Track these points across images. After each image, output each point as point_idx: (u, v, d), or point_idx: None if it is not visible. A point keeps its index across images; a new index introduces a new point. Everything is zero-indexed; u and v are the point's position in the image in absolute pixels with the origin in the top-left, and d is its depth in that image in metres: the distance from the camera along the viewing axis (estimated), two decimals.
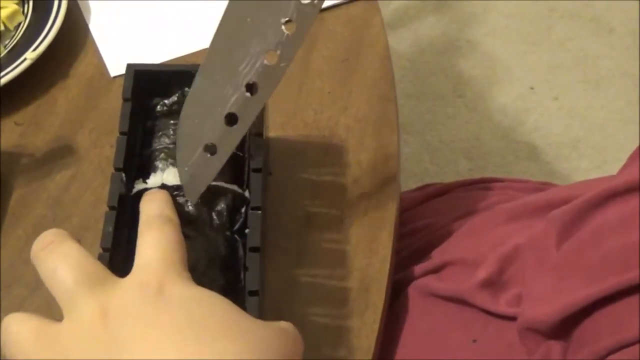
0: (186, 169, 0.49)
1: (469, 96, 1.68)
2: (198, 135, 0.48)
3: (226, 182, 0.51)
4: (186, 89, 0.54)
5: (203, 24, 0.73)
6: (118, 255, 0.46)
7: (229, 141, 0.48)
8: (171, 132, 0.53)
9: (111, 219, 0.46)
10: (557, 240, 0.53)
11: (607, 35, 1.77)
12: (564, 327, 0.48)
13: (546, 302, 0.50)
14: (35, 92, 0.67)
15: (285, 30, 0.44)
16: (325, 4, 0.72)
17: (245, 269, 0.47)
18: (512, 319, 0.53)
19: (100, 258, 0.45)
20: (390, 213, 0.60)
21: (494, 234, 0.61)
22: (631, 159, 0.55)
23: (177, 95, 0.54)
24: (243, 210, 0.50)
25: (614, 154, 1.57)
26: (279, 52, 0.44)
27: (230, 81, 0.46)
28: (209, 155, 0.48)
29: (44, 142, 0.64)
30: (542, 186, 0.77)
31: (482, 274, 0.57)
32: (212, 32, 0.70)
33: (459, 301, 0.57)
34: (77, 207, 0.61)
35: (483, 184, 0.79)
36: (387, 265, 0.58)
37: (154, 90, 0.54)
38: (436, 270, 0.62)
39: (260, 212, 0.47)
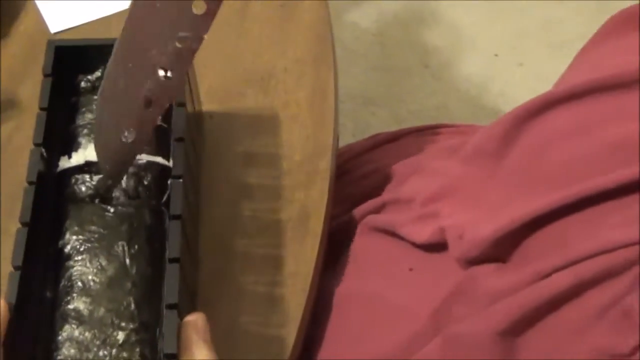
0: (107, 154, 0.48)
1: (435, 66, 1.69)
2: (116, 120, 0.46)
3: (151, 154, 0.51)
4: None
5: None
6: (41, 231, 0.46)
7: (147, 124, 0.45)
8: (94, 108, 0.52)
9: (30, 193, 0.46)
10: (496, 154, 0.51)
11: (571, 0, 1.78)
12: (502, 247, 0.47)
13: (485, 223, 0.49)
14: None
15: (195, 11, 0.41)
16: None
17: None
18: (441, 249, 0.53)
19: (18, 232, 0.44)
20: (328, 143, 0.62)
21: (431, 170, 0.62)
22: (570, 68, 0.55)
23: (100, 70, 0.54)
24: (169, 181, 0.48)
25: None
26: (189, 34, 0.42)
27: (142, 66, 0.44)
28: (129, 141, 0.46)
29: None
30: None
31: (414, 208, 0.57)
32: None
33: (394, 234, 0.57)
34: (21, 155, 0.61)
35: (433, 129, 0.80)
36: (326, 196, 0.60)
37: (78, 66, 0.54)
38: (379, 209, 0.62)
39: (181, 180, 0.47)
